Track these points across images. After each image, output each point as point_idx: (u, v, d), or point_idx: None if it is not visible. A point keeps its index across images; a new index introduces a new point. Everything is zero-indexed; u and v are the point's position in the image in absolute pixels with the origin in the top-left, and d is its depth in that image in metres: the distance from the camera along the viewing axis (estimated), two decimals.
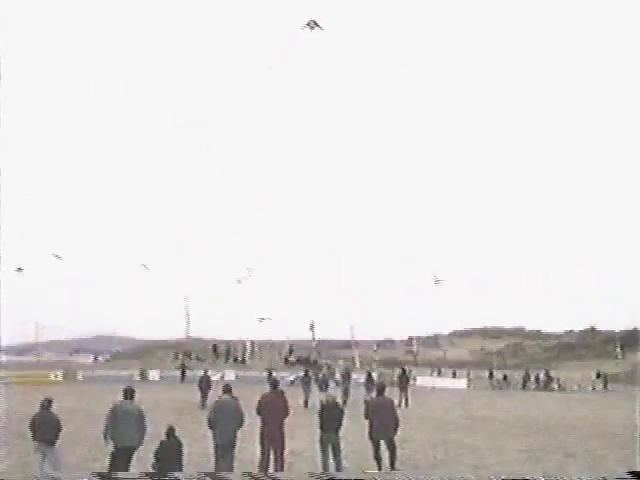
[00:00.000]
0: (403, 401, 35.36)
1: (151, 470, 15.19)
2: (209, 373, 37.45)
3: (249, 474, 11.86)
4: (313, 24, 34.22)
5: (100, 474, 12.17)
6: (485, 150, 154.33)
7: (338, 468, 15.55)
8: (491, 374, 69.23)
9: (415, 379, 57.11)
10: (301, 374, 41.28)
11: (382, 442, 16.66)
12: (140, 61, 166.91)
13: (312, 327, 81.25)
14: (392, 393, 22.93)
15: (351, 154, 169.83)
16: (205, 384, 34.11)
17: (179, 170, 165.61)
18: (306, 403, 33.75)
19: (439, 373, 72.89)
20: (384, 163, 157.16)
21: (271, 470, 15.18)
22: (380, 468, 16.40)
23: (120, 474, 12.63)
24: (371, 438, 16.71)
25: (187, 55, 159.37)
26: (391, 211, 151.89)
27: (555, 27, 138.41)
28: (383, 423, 16.68)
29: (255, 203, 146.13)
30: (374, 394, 18.45)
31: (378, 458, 16.51)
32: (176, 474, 12.23)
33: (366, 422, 16.87)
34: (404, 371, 41.37)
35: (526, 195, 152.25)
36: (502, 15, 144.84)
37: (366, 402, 18.54)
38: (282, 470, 15.28)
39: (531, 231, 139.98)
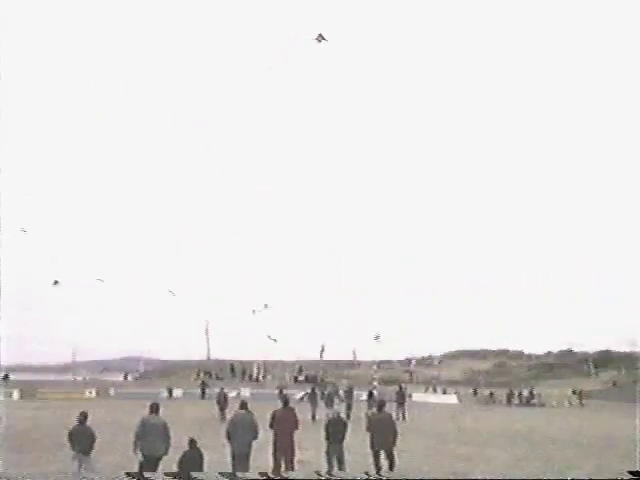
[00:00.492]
0: (401, 415, 35.11)
1: None
2: (225, 390, 37.33)
3: (264, 474, 11.90)
4: (321, 37, 33.45)
5: (130, 474, 12.21)
6: (479, 156, 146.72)
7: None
8: (475, 391, 69.01)
9: (411, 396, 56.62)
10: (309, 391, 41.12)
11: (382, 452, 16.59)
12: (140, 61, 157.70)
13: (322, 350, 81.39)
14: (391, 408, 22.82)
15: (351, 155, 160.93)
16: (222, 400, 34.10)
17: (180, 174, 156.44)
18: (313, 417, 33.52)
19: (434, 390, 72.44)
20: (384, 165, 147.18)
21: None
22: (380, 475, 16.30)
23: (148, 474, 12.65)
24: (372, 448, 16.65)
25: (187, 56, 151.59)
26: (386, 236, 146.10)
27: (555, 27, 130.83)
28: (383, 435, 16.63)
29: (256, 204, 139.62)
30: (375, 409, 18.39)
31: (378, 467, 16.44)
32: (196, 474, 12.26)
33: (367, 434, 16.82)
34: (401, 388, 41.18)
35: (513, 223, 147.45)
36: (502, 15, 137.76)
37: (367, 417, 18.50)
38: None
39: (515, 261, 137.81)
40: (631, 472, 11.36)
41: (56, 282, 67.35)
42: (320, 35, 32.73)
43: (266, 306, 73.58)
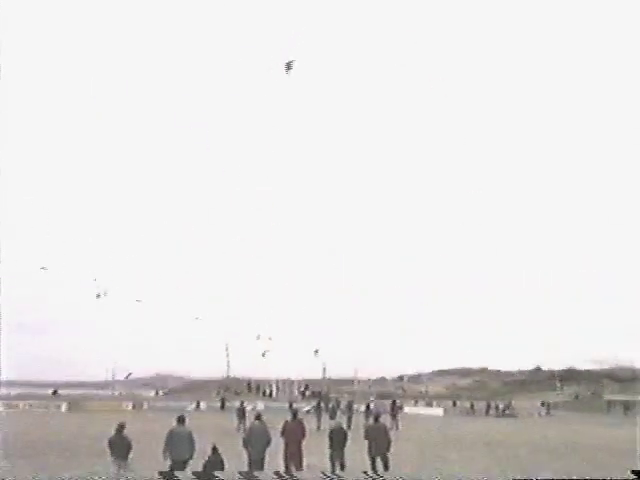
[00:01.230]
0: (394, 425, 34.75)
1: None
2: (244, 404, 36.98)
3: (278, 472, 11.82)
4: (289, 66, 30.71)
5: (162, 473, 12.17)
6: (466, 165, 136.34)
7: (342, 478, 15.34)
8: (454, 403, 68.25)
9: (403, 408, 56.06)
10: (315, 405, 40.78)
11: (378, 457, 16.47)
12: (140, 62, 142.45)
13: (324, 369, 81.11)
14: (385, 419, 22.62)
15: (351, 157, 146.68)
16: (241, 413, 33.85)
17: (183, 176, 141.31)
18: (318, 427, 33.21)
19: (423, 404, 71.74)
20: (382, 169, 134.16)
21: None
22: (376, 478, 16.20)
23: (177, 473, 12.61)
24: (369, 454, 16.54)
25: (187, 56, 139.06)
26: (382, 258, 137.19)
27: (555, 27, 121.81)
28: (379, 443, 16.52)
29: (256, 205, 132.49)
30: (371, 420, 18.25)
31: (374, 470, 16.32)
32: (218, 473, 12.20)
33: (365, 442, 16.70)
34: (395, 402, 40.85)
35: (490, 247, 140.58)
36: (501, 15, 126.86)
37: (365, 427, 18.33)
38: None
39: (492, 291, 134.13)
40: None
41: (98, 295, 65.51)
42: (288, 63, 30.14)
43: (270, 339, 73.80)
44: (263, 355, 74.07)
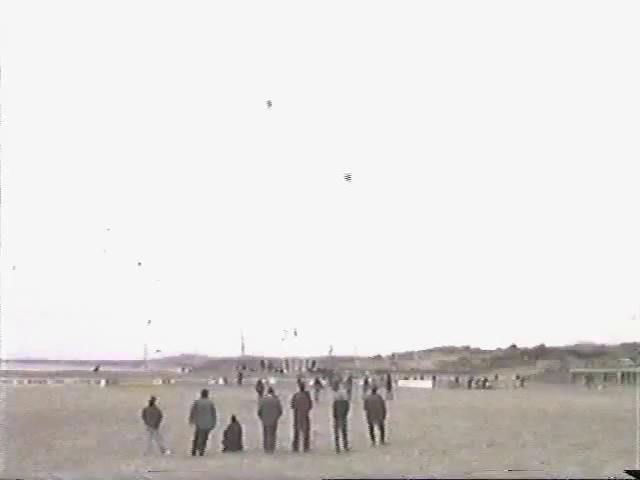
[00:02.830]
0: (389, 397, 34.67)
1: (221, 445, 15.18)
2: (263, 380, 37.21)
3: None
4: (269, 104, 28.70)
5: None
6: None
7: (345, 443, 15.33)
8: (434, 378, 67.88)
9: (397, 382, 56.00)
10: (321, 380, 40.77)
11: (375, 425, 16.47)
12: (141, 67, 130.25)
13: (331, 349, 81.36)
14: (381, 392, 22.57)
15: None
16: (260, 387, 34.02)
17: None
18: (316, 399, 32.84)
19: (413, 378, 71.66)
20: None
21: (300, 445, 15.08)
22: (374, 442, 16.19)
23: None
24: (368, 422, 16.54)
25: (188, 59, 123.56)
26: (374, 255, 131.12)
27: (555, 28, 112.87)
28: (376, 412, 16.52)
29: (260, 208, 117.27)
30: (369, 393, 18.22)
31: (372, 435, 16.34)
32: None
33: (364, 412, 16.71)
34: (389, 377, 40.86)
35: (470, 242, 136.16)
36: (502, 18, 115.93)
37: (364, 398, 18.31)
38: (309, 444, 15.12)
39: (476, 278, 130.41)
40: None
41: (139, 263, 64.08)
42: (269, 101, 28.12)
43: (295, 333, 73.21)
44: (295, 334, 73.14)
